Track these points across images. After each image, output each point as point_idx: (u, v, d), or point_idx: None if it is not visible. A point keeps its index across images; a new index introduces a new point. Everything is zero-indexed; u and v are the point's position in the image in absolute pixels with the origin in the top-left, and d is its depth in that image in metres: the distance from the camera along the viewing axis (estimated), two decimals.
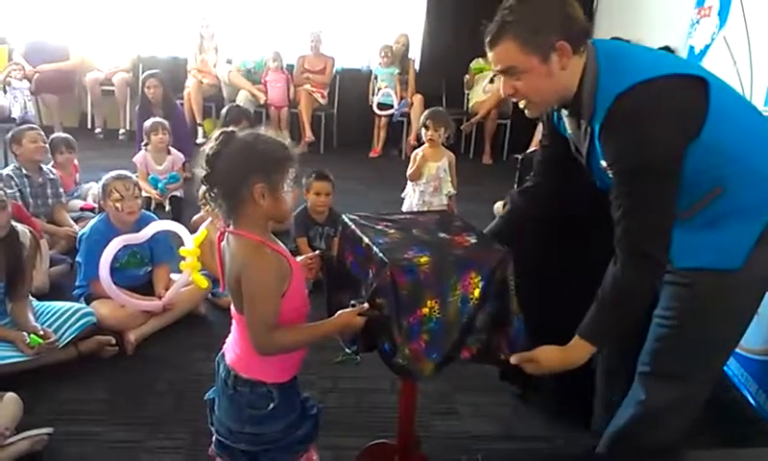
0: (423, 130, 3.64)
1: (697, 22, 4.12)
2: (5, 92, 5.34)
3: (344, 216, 1.73)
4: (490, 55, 1.43)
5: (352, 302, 1.50)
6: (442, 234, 1.63)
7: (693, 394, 1.59)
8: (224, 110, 4.25)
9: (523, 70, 1.39)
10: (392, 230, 1.61)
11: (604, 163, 1.44)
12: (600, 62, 1.40)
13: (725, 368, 2.57)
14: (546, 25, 1.35)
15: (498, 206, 4.24)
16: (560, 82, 1.41)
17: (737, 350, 2.42)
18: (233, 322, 1.49)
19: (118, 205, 2.71)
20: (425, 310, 1.44)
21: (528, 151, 3.85)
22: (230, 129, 1.39)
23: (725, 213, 1.42)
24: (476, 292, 1.48)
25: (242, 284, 1.35)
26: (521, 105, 1.50)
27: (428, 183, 3.54)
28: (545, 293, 1.85)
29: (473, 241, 1.59)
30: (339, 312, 1.46)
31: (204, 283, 2.80)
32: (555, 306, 1.78)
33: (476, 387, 2.46)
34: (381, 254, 1.46)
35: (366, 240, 1.54)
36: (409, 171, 3.68)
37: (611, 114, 1.35)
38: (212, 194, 1.37)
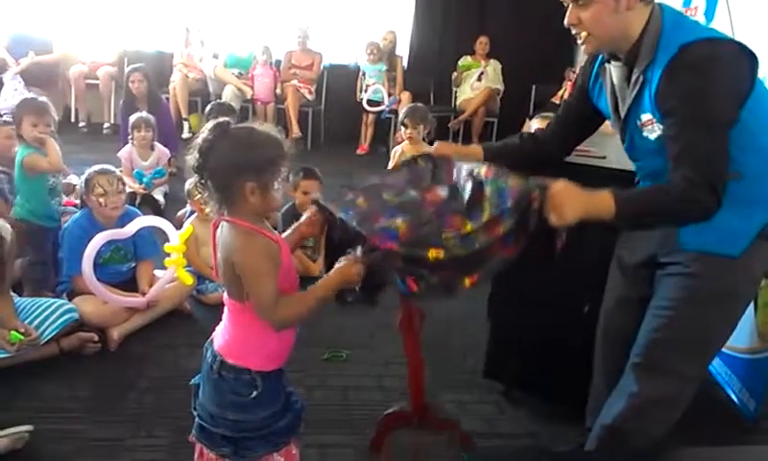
0: (402, 128, 3.64)
1: None
2: None
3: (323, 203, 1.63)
4: None
5: (348, 250, 1.45)
6: (412, 192, 1.59)
7: (684, 387, 1.61)
8: (207, 108, 4.21)
9: (589, 2, 1.44)
10: (360, 199, 1.58)
11: (644, 117, 1.47)
12: (665, 18, 1.46)
13: (709, 366, 2.60)
14: None
15: None
16: (624, 22, 1.46)
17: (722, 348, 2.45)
18: (225, 308, 1.48)
19: (101, 199, 2.67)
20: (431, 258, 1.40)
21: None
22: (226, 120, 1.37)
23: (735, 199, 1.42)
24: (468, 226, 1.42)
25: (236, 270, 1.35)
26: (580, 39, 1.52)
27: None
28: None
29: (444, 195, 1.55)
30: (336, 266, 1.43)
31: (189, 280, 2.77)
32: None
33: (460, 384, 2.47)
34: (357, 228, 1.43)
35: (340, 214, 1.51)
36: (389, 167, 3.67)
37: (675, 60, 1.39)
38: (203, 184, 1.36)
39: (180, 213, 3.72)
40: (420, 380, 1.89)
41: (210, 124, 1.36)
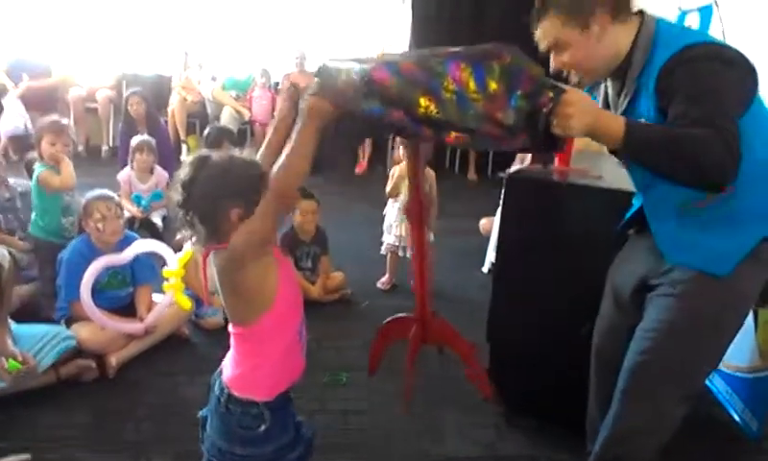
0: (401, 148, 3.64)
1: None
2: None
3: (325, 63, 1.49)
4: (536, 35, 1.50)
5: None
6: (424, 52, 1.52)
7: (669, 411, 1.57)
8: (205, 131, 4.23)
9: (567, 42, 1.46)
10: (366, 58, 1.50)
11: (643, 121, 1.44)
12: (660, 26, 1.45)
13: (710, 384, 2.59)
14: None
15: (484, 223, 4.25)
16: (604, 48, 1.46)
17: (723, 367, 2.44)
18: (231, 338, 1.47)
19: (100, 225, 2.67)
20: (421, 110, 1.33)
21: (511, 169, 3.87)
22: (204, 153, 1.38)
23: (727, 215, 1.42)
24: (471, 84, 1.34)
25: (231, 252, 1.32)
26: (574, 79, 1.52)
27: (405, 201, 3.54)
28: None
29: (457, 49, 1.44)
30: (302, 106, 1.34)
31: (188, 305, 2.76)
32: None
33: (458, 407, 2.45)
34: (360, 67, 1.35)
35: (344, 68, 1.40)
36: (387, 188, 3.68)
37: (679, 56, 1.35)
38: (188, 219, 1.36)
39: (178, 237, 3.70)
40: (425, 281, 1.80)
41: (190, 158, 1.38)
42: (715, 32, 3.76)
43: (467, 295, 3.58)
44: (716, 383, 2.57)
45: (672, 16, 4.21)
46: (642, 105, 1.45)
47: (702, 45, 1.37)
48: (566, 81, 1.53)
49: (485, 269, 3.94)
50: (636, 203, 1.66)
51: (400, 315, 1.98)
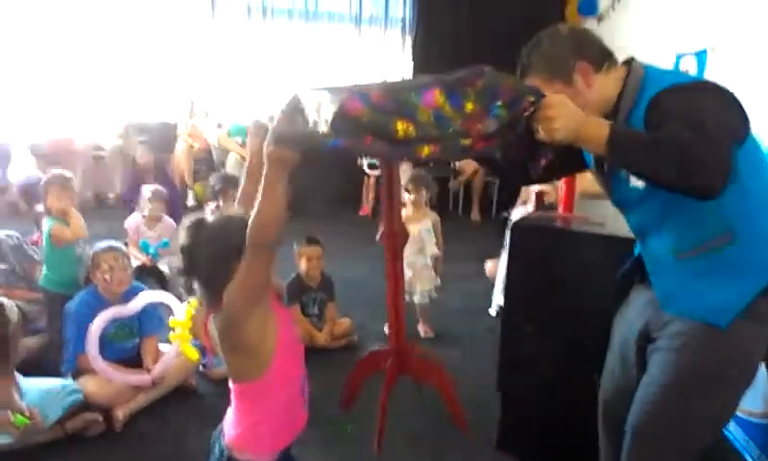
0: (405, 193, 3.68)
1: None
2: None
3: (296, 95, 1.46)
4: None
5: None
6: (397, 83, 1.52)
7: None
8: (211, 179, 4.29)
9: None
10: (340, 88, 1.44)
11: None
12: (648, 71, 1.46)
13: (726, 431, 2.55)
14: (560, 53, 1.48)
15: (489, 265, 4.25)
16: (592, 97, 1.47)
17: (738, 413, 2.40)
18: (232, 395, 1.46)
19: (107, 276, 2.69)
20: (400, 133, 1.28)
21: (514, 208, 3.90)
22: (199, 217, 1.40)
23: (725, 265, 1.39)
24: (447, 107, 1.30)
25: (226, 310, 1.32)
26: None
27: (411, 245, 3.55)
28: None
29: (430, 79, 1.39)
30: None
31: (195, 355, 2.75)
32: None
33: (471, 456, 2.41)
34: (332, 97, 1.29)
35: (315, 99, 1.35)
36: None
37: (663, 92, 1.34)
38: (191, 284, 1.37)
39: None
40: (401, 312, 1.75)
41: (186, 223, 1.39)
42: (710, 75, 3.84)
43: (474, 339, 3.56)
44: (732, 430, 2.53)
45: (669, 60, 4.29)
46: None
47: (687, 82, 1.39)
48: None
49: (492, 312, 3.92)
50: (637, 250, 1.65)
51: (377, 348, 1.97)
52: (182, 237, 1.36)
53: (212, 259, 1.34)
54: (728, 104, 1.35)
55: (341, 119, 1.22)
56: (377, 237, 1.78)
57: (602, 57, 1.49)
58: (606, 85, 1.48)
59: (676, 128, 1.25)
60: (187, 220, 1.39)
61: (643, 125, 1.37)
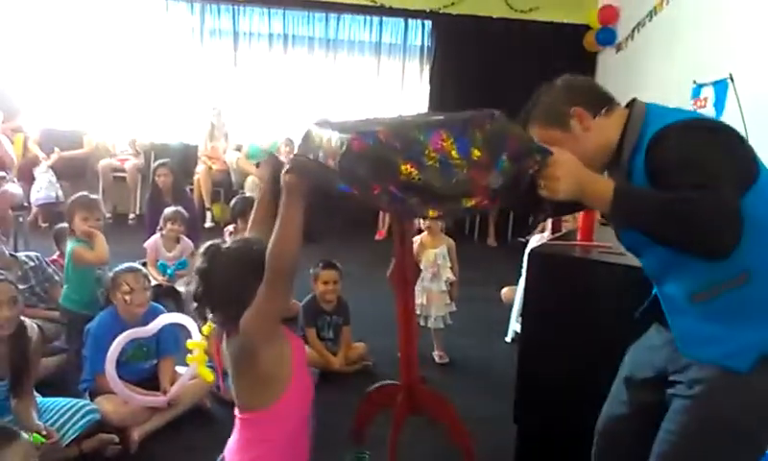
0: (422, 219, 3.68)
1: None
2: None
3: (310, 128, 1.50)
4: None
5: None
6: (406, 119, 1.52)
7: None
8: (232, 202, 4.35)
9: (554, 142, 1.47)
10: (350, 124, 1.50)
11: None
12: (650, 110, 1.46)
13: None
14: (555, 101, 1.51)
15: (505, 291, 4.23)
16: (592, 141, 1.48)
17: None
18: (237, 423, 1.46)
19: (128, 297, 2.72)
20: (402, 176, 1.28)
21: (532, 238, 3.88)
22: (215, 242, 1.42)
23: (742, 306, 1.35)
24: (453, 153, 1.31)
25: (243, 337, 1.33)
26: None
27: (426, 270, 3.55)
28: None
29: (440, 117, 1.43)
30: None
31: (210, 377, 2.75)
32: None
33: None
34: (339, 136, 1.31)
35: (327, 136, 1.38)
36: None
37: (663, 130, 1.34)
38: (203, 310, 1.39)
39: None
40: (413, 348, 1.71)
41: (202, 249, 1.41)
42: (731, 105, 3.82)
43: (490, 366, 3.53)
44: None
45: (687, 90, 4.29)
46: (636, 184, 1.42)
47: (687, 119, 1.37)
48: None
49: (508, 339, 3.89)
50: (655, 289, 1.61)
51: (387, 383, 1.94)
52: (199, 262, 1.38)
53: (229, 285, 1.35)
54: (733, 145, 1.33)
55: (347, 159, 1.24)
56: (388, 274, 1.77)
57: (600, 101, 1.50)
58: (606, 128, 1.48)
59: (682, 181, 1.24)
60: (204, 245, 1.41)
61: (645, 168, 1.36)
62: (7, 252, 3.37)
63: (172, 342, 2.88)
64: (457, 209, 1.32)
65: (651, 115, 1.43)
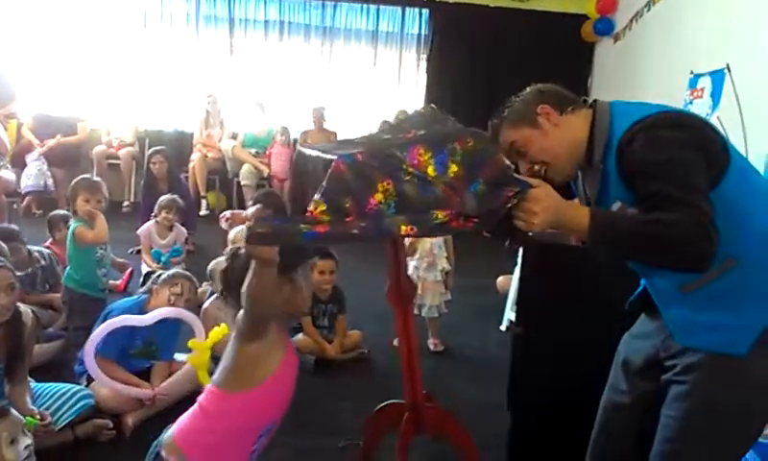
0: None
1: (690, 103, 4.24)
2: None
3: (300, 148, 1.63)
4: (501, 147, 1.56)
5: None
6: (385, 136, 1.57)
7: None
8: (255, 196, 4.35)
9: (523, 141, 1.54)
10: (334, 146, 1.58)
11: (615, 207, 1.42)
12: (614, 107, 1.48)
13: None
14: (523, 104, 1.57)
15: (501, 280, 4.24)
16: (561, 137, 1.50)
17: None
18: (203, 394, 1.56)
19: (173, 298, 2.73)
20: (379, 196, 1.30)
21: None
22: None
23: (734, 291, 1.35)
24: (430, 169, 1.33)
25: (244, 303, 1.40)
26: (546, 175, 1.53)
27: (422, 259, 3.55)
28: None
29: (421, 133, 1.46)
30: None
31: (208, 382, 2.71)
32: None
33: None
34: (324, 158, 1.38)
35: (315, 157, 1.45)
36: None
37: (629, 130, 1.36)
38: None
39: (206, 305, 3.74)
40: (415, 366, 1.71)
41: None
42: (728, 96, 3.82)
43: (485, 354, 3.55)
44: (749, 458, 2.50)
45: (683, 80, 4.29)
46: (612, 189, 1.43)
47: (653, 115, 1.37)
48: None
49: (503, 327, 3.91)
50: (643, 281, 1.62)
51: (391, 402, 1.91)
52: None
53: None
54: (700, 138, 1.34)
55: (329, 181, 1.28)
56: (385, 292, 1.80)
57: (565, 101, 1.54)
58: (573, 125, 1.50)
59: (655, 190, 1.28)
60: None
61: (618, 172, 1.39)
62: (24, 250, 3.44)
63: (173, 349, 2.85)
64: (428, 222, 1.31)
65: (616, 112, 1.46)
